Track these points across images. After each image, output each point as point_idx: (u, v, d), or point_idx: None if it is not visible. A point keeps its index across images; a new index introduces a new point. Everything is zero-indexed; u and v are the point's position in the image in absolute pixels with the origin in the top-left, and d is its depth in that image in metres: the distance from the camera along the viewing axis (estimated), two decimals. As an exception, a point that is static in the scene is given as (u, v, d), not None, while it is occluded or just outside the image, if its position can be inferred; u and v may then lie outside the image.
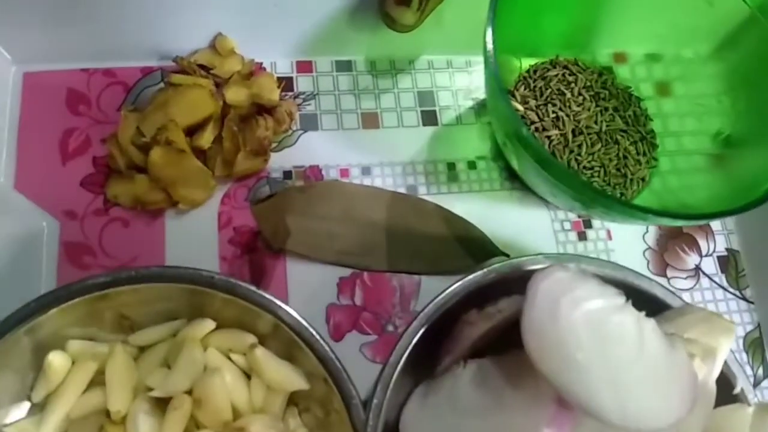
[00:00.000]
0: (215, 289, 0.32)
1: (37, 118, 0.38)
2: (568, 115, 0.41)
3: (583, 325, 0.28)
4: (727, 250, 0.43)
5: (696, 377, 0.28)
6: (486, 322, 0.32)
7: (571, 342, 0.28)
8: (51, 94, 0.39)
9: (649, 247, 0.42)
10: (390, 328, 0.37)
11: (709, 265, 0.42)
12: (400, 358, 0.31)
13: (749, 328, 0.41)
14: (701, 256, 0.42)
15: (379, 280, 0.38)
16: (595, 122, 0.41)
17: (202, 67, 0.40)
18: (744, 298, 0.42)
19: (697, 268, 0.42)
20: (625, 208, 0.32)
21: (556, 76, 0.42)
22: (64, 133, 0.38)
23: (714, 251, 0.42)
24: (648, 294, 0.34)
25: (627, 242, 0.41)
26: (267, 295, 0.32)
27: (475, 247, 0.38)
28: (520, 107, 0.41)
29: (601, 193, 0.37)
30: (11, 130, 0.38)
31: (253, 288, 0.32)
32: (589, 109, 0.41)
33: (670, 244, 0.42)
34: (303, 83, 0.42)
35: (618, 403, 0.26)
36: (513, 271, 0.33)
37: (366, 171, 0.40)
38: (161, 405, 0.32)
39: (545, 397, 0.28)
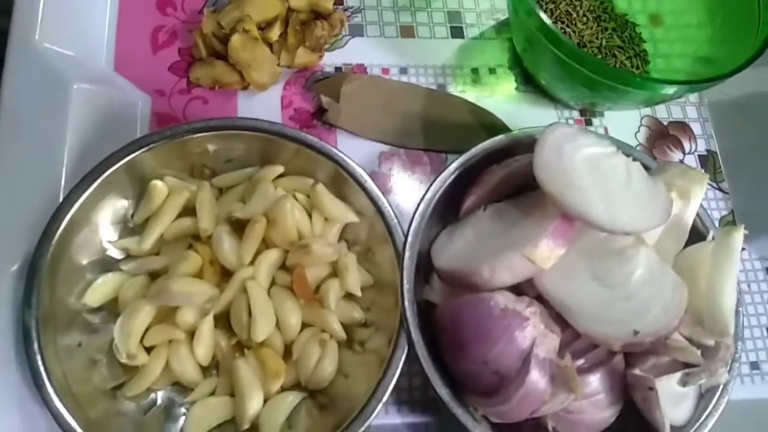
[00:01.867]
0: (285, 137, 0.39)
1: (132, 17, 0.45)
2: (574, 31, 0.48)
3: (582, 163, 0.35)
4: (707, 150, 0.49)
5: (671, 201, 0.35)
6: (503, 169, 0.39)
7: (573, 174, 0.34)
8: (144, -1, 0.47)
9: (641, 144, 0.48)
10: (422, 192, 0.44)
11: (691, 162, 0.48)
12: (434, 195, 0.38)
13: (724, 212, 0.48)
14: (684, 153, 0.49)
15: (413, 155, 0.45)
16: (596, 38, 0.48)
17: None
18: (720, 189, 0.48)
19: (681, 163, 0.49)
20: (634, 78, 0.39)
21: (564, 0, 0.49)
22: (155, 29, 0.46)
23: (695, 151, 0.49)
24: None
25: (621, 139, 0.48)
26: (328, 144, 0.39)
27: (494, 130, 0.45)
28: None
29: (612, 68, 0.43)
30: (111, 26, 0.45)
31: (317, 138, 0.39)
32: (591, 28, 0.48)
33: (658, 143, 0.49)
34: (351, 0, 0.49)
35: (610, 214, 0.33)
36: (525, 137, 0.40)
37: (403, 71, 0.47)
38: (238, 231, 0.38)
39: (550, 216, 0.35)
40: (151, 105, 0.44)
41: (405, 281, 0.36)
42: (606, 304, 0.34)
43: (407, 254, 0.37)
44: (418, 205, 0.38)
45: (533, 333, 0.33)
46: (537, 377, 0.32)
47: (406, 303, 0.36)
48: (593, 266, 0.35)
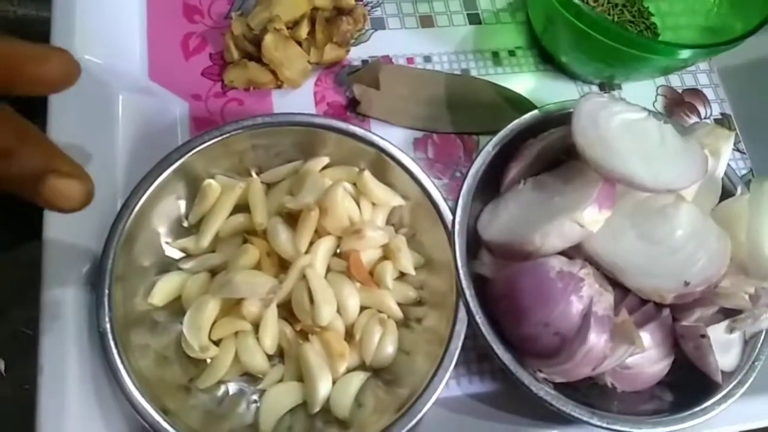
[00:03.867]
0: (331, 129, 0.40)
1: (161, 27, 0.47)
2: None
3: (618, 128, 0.37)
4: (721, 114, 0.51)
5: (706, 158, 0.37)
6: (540, 142, 0.41)
7: (611, 139, 0.36)
8: (170, 8, 0.47)
9: (659, 112, 0.50)
10: (457, 174, 0.46)
11: (708, 126, 0.51)
12: (477, 171, 0.40)
13: (744, 171, 0.50)
14: (701, 118, 0.51)
15: (445, 139, 0.46)
16: (608, 14, 0.50)
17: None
18: (738, 150, 0.50)
19: (708, 122, 0.51)
20: (655, 44, 0.42)
21: (575, -20, 0.51)
22: (185, 36, 0.47)
23: (711, 115, 0.51)
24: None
25: (640, 109, 0.50)
26: (371, 132, 0.40)
27: (520, 108, 0.46)
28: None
29: (634, 35, 0.45)
30: (141, 37, 0.46)
31: (361, 128, 0.40)
32: (603, 5, 0.51)
33: (675, 110, 0.51)
34: (370, -5, 0.51)
35: (651, 174, 0.35)
36: (559, 110, 0.42)
37: (427, 59, 0.49)
38: (291, 223, 0.40)
39: (592, 183, 0.36)
40: (189, 110, 0.45)
41: (458, 256, 0.38)
42: (654, 259, 0.36)
43: (457, 230, 0.38)
44: (463, 182, 0.39)
45: (590, 292, 0.35)
46: (597, 333, 0.34)
47: (462, 276, 0.37)
48: (637, 226, 0.37)
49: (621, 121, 0.37)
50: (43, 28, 0.43)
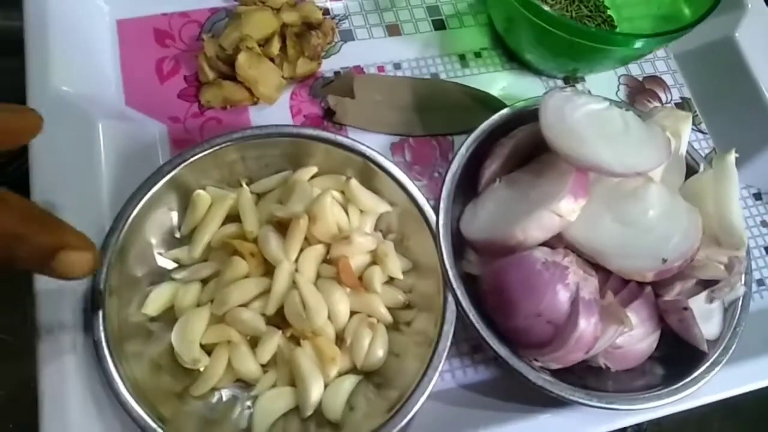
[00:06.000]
0: (318, 140, 0.40)
1: (134, 53, 0.46)
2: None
3: (583, 119, 0.38)
4: (681, 98, 0.53)
5: (669, 139, 0.38)
6: (511, 140, 0.41)
7: (578, 129, 0.37)
8: (141, 34, 0.47)
9: (622, 100, 0.51)
10: (436, 174, 0.46)
11: (669, 110, 0.52)
12: (455, 173, 0.40)
13: (707, 150, 0.51)
14: (662, 103, 0.52)
15: (421, 142, 0.47)
16: (566, 11, 0.52)
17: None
18: (700, 131, 0.52)
19: (665, 106, 0.52)
20: (613, 36, 0.44)
21: (532, -20, 0.52)
22: (158, 61, 0.47)
23: (672, 100, 0.52)
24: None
25: (604, 99, 0.51)
26: (357, 141, 0.40)
27: (490, 106, 0.47)
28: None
29: (592, 29, 0.47)
30: (115, 64, 0.46)
31: (349, 137, 0.40)
32: (560, 3, 0.52)
33: (638, 98, 0.52)
34: (336, 9, 0.51)
35: (619, 160, 0.36)
36: (527, 107, 0.42)
37: (397, 66, 0.49)
38: (281, 231, 0.39)
39: (565, 176, 0.37)
40: (168, 132, 0.45)
41: (445, 257, 0.38)
42: (631, 241, 0.37)
43: (442, 232, 0.39)
44: (442, 185, 0.40)
45: (575, 279, 0.36)
46: (587, 318, 0.35)
47: (451, 276, 0.37)
48: (612, 210, 0.38)
49: (585, 112, 0.38)
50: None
